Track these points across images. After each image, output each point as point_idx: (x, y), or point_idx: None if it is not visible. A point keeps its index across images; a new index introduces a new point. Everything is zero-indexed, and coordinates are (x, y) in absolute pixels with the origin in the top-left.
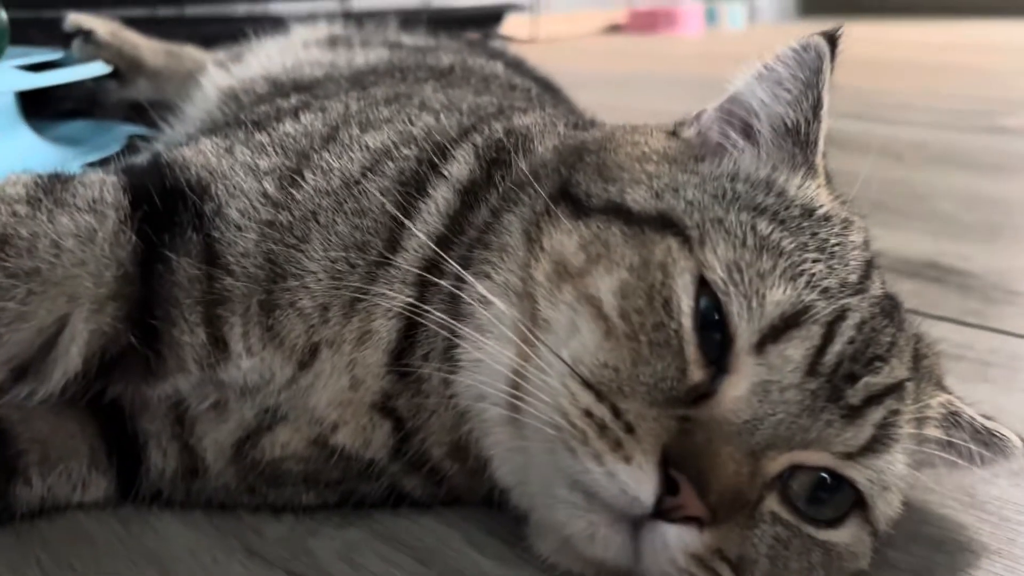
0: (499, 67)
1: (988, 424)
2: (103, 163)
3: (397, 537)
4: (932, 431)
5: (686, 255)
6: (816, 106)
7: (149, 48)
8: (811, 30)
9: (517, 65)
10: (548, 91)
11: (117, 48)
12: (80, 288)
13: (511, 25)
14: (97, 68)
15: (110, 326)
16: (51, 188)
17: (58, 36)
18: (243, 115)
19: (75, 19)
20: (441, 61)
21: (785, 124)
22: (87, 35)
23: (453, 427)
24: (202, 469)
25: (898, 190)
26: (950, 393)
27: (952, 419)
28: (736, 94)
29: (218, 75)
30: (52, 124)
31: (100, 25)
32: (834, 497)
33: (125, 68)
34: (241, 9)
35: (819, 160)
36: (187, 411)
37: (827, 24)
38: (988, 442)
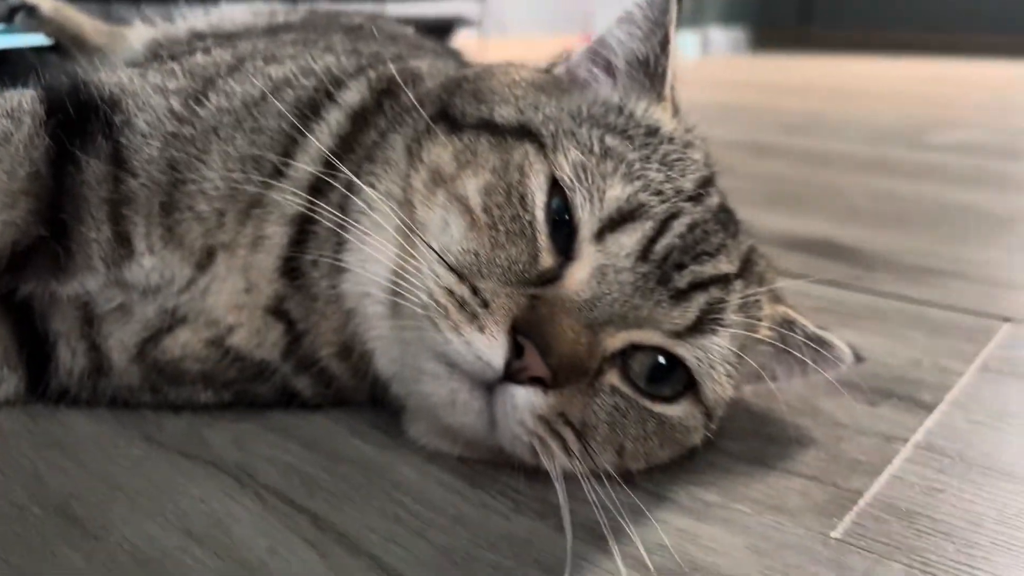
0: (409, 30)
1: (820, 333)
2: None
3: (286, 429)
4: (767, 332)
5: (541, 159)
6: (664, 42)
7: (92, 26)
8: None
9: (431, 35)
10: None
11: (60, 23)
12: None
13: (460, 42)
14: (37, 39)
15: (22, 219)
16: None
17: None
18: (161, 52)
19: None
20: (353, 20)
21: (637, 57)
22: (30, 9)
23: (339, 327)
24: (107, 367)
25: (818, 188)
26: (787, 306)
27: (787, 327)
28: (601, 37)
29: (144, 30)
30: None
31: (44, 1)
32: (669, 377)
33: (67, 43)
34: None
35: (667, 91)
36: (94, 311)
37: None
38: (820, 349)
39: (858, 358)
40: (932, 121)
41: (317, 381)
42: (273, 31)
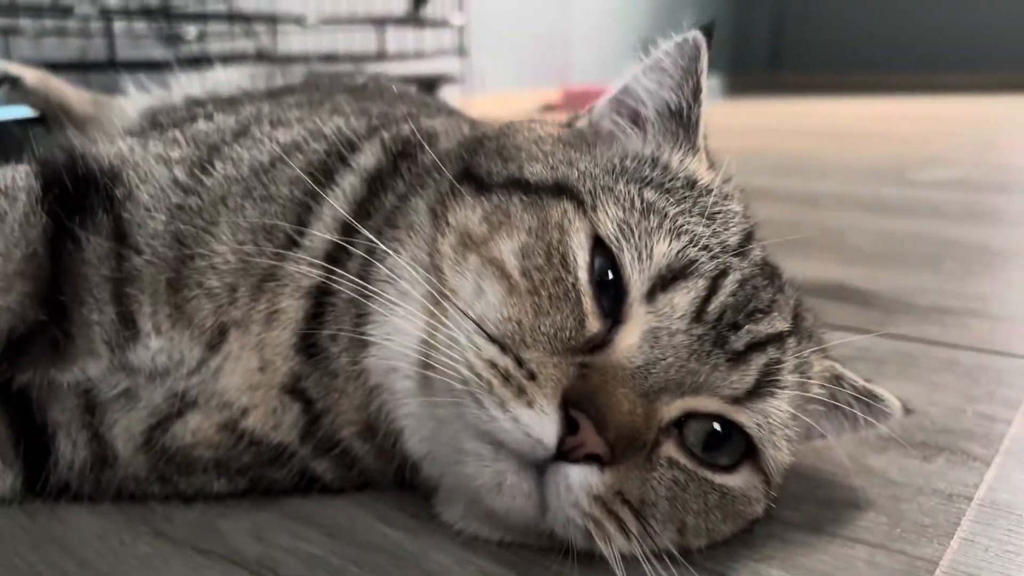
0: (412, 89)
1: (869, 386)
2: None
3: (307, 517)
4: (816, 389)
5: (580, 216)
6: (696, 90)
7: (76, 95)
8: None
9: (431, 94)
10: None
11: (44, 94)
12: None
13: (444, 98)
14: (22, 111)
15: (19, 304)
16: None
17: None
18: (160, 120)
19: (2, 66)
20: (355, 80)
21: (669, 107)
22: (14, 82)
23: (362, 405)
24: (112, 458)
25: (813, 228)
26: (834, 360)
27: (836, 382)
28: (626, 86)
29: (140, 98)
30: None
31: (28, 72)
32: (727, 444)
33: (52, 114)
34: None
35: (700, 140)
36: (97, 399)
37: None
38: (870, 403)
39: (906, 410)
40: (913, 159)
41: (338, 463)
42: (275, 94)
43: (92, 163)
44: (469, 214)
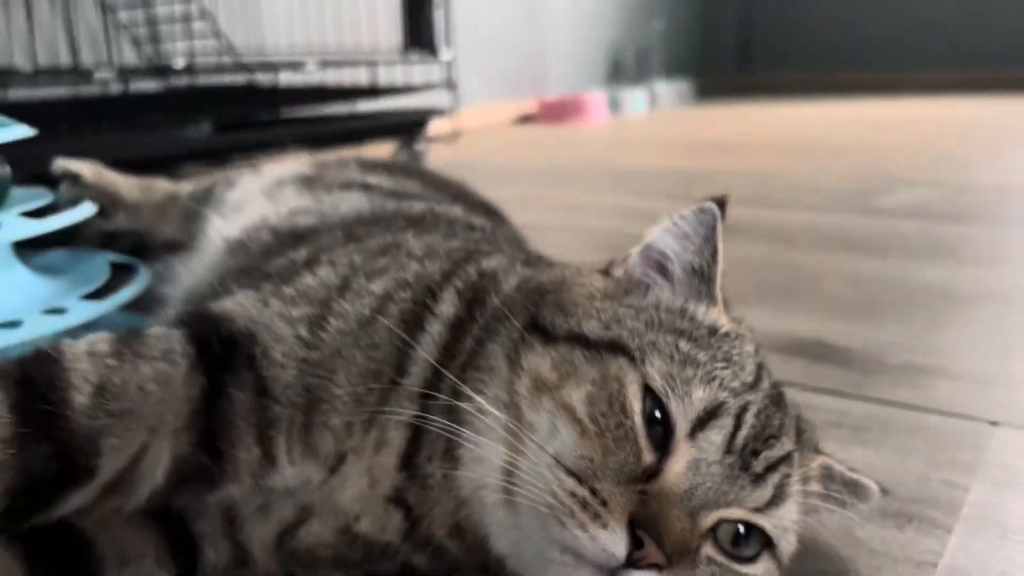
0: (458, 210)
1: (853, 476)
2: (96, 294)
3: None
4: (814, 486)
5: (633, 370)
6: (714, 253)
7: (126, 184)
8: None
9: (466, 197)
10: (492, 216)
11: (100, 188)
12: (162, 422)
13: (434, 128)
14: (87, 209)
15: (185, 450)
16: (130, 342)
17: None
18: (264, 267)
19: (63, 164)
20: (413, 209)
21: (692, 267)
22: (75, 178)
23: (453, 512)
24: (249, 561)
25: (789, 272)
26: (824, 455)
27: (827, 474)
28: (652, 243)
29: (222, 224)
30: (33, 253)
31: (85, 168)
32: (749, 540)
33: (106, 204)
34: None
35: (718, 292)
36: (237, 514)
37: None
38: (854, 489)
39: (883, 492)
40: (878, 179)
41: (433, 557)
42: (353, 234)
43: (230, 326)
44: (540, 361)
